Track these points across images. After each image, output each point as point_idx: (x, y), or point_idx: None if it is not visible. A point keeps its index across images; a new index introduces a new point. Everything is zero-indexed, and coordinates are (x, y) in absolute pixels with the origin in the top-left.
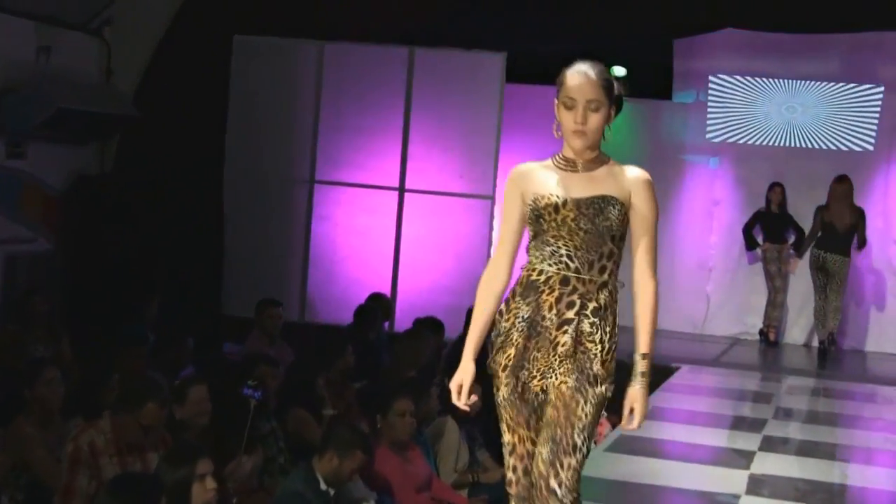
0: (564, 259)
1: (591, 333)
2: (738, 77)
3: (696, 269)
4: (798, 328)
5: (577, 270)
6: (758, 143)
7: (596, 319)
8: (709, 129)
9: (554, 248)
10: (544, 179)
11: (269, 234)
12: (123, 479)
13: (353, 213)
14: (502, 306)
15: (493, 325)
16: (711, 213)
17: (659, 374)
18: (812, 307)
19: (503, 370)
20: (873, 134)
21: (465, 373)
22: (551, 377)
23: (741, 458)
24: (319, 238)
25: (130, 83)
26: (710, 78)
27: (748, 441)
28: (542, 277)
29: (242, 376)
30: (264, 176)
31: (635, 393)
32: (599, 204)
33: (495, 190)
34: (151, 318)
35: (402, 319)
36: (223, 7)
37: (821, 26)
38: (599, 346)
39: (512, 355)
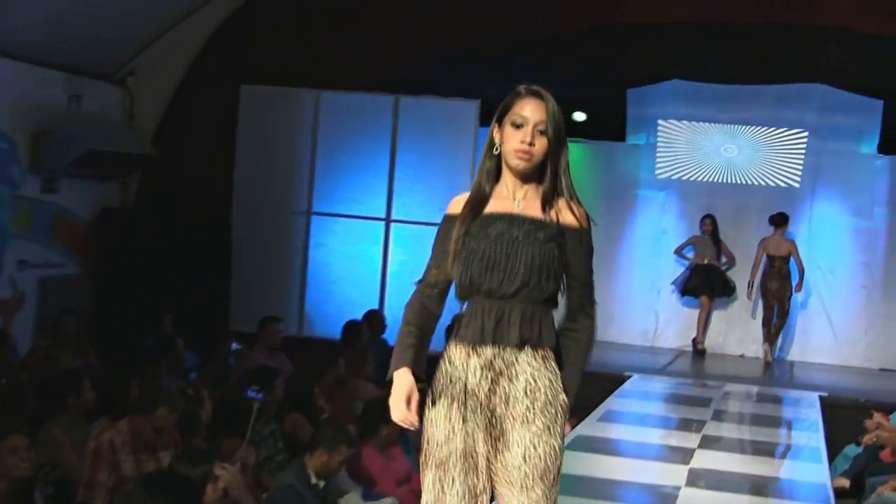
0: None
1: None
2: (683, 122)
3: (647, 290)
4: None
5: None
6: (699, 179)
7: None
8: (658, 167)
9: None
10: None
11: (271, 258)
12: (157, 477)
13: (345, 241)
14: None
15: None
16: (660, 240)
17: (613, 382)
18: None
19: None
20: (799, 172)
21: None
22: None
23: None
24: (316, 262)
25: (150, 126)
26: (659, 122)
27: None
28: None
29: (245, 382)
30: (268, 208)
31: None
32: None
33: None
34: (167, 333)
35: (391, 333)
36: (232, 60)
37: (754, 79)
38: None
39: None
